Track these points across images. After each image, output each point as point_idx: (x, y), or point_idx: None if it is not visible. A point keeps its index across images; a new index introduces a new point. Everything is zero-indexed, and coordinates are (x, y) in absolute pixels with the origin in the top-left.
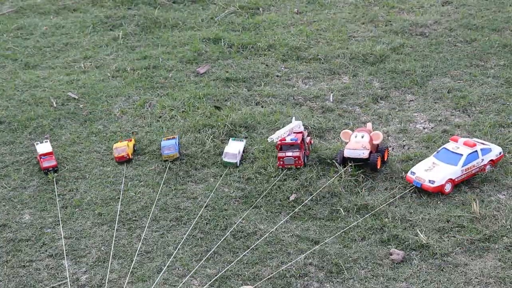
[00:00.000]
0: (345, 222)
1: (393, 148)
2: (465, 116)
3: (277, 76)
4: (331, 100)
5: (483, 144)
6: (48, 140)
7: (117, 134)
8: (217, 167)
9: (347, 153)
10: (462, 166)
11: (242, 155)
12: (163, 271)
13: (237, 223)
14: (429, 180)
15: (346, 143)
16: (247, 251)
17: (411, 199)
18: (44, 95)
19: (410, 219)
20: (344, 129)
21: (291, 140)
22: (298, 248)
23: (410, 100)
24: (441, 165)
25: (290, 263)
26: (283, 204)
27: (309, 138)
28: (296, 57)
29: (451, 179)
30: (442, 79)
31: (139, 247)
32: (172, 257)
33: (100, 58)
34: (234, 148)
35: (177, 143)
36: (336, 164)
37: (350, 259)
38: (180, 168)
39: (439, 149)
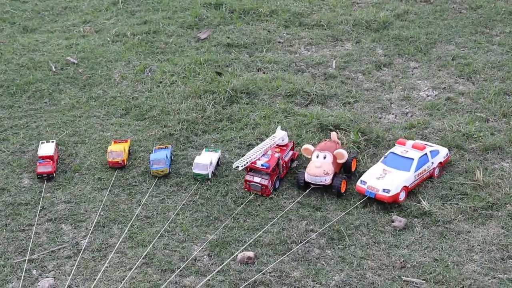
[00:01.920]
0: (347, 189)
1: (396, 116)
2: (469, 84)
3: (279, 42)
4: (334, 67)
5: (430, 146)
6: (54, 142)
7: (116, 99)
8: (218, 133)
9: (308, 178)
10: (415, 171)
11: (216, 167)
12: (159, 235)
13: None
14: (384, 189)
15: (308, 159)
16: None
17: None
18: (43, 59)
19: None
20: (304, 145)
21: (262, 165)
22: (299, 215)
23: (414, 67)
24: (393, 171)
25: (291, 229)
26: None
27: (291, 153)
28: (298, 23)
29: (405, 186)
30: (447, 46)
31: (138, 212)
32: (172, 222)
33: (100, 23)
34: (205, 159)
35: (168, 155)
36: (298, 186)
37: (352, 226)
38: (180, 134)
39: (386, 153)
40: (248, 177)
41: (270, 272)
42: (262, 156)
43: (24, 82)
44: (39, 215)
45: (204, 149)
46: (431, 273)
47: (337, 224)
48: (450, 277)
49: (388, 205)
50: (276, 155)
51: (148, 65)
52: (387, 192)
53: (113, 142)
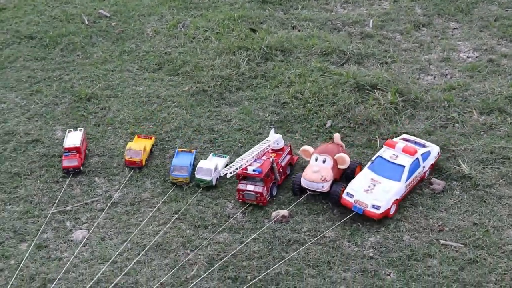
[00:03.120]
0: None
1: (435, 77)
2: None
3: None
4: (371, 26)
5: (422, 146)
6: (82, 130)
7: (149, 54)
8: (252, 90)
9: (304, 183)
10: (406, 181)
11: (220, 174)
12: (193, 191)
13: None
14: (373, 206)
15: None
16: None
17: (453, 129)
18: (76, 12)
19: (452, 149)
20: (303, 146)
21: (254, 171)
22: None
23: (454, 28)
24: (383, 182)
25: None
26: (319, 130)
27: (288, 157)
28: None
29: (396, 199)
30: (489, 6)
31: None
32: None
33: None
34: (210, 164)
35: (191, 163)
36: (293, 191)
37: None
38: (214, 90)
39: (373, 157)
40: (240, 186)
41: (304, 232)
42: (254, 161)
43: (57, 34)
44: None
45: (211, 154)
46: (470, 238)
47: None
48: (490, 242)
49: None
50: (270, 159)
51: (181, 20)
52: (377, 209)
53: (136, 137)
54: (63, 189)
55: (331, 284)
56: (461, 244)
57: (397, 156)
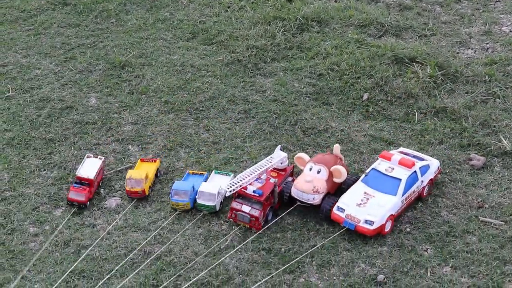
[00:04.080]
0: (422, 124)
1: (475, 51)
2: None
3: None
4: None
5: (420, 159)
6: (102, 159)
7: (183, 23)
8: (287, 61)
9: (294, 193)
10: (402, 195)
11: (224, 196)
12: (227, 162)
13: (308, 119)
14: (366, 221)
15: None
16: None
17: (494, 104)
18: None
19: (493, 124)
20: (298, 153)
21: (254, 192)
22: (371, 148)
23: (497, 1)
24: (377, 196)
25: (362, 162)
26: (355, 103)
27: (291, 179)
28: None
29: (392, 215)
30: None
31: (205, 137)
32: (239, 149)
33: None
34: (213, 188)
35: (196, 187)
36: (282, 200)
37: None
38: (249, 60)
39: (367, 170)
40: (235, 205)
41: None
42: (255, 180)
43: (91, 1)
44: (106, 135)
45: (213, 172)
46: (511, 215)
47: None
48: None
49: (467, 142)
50: (272, 180)
51: None
52: (370, 224)
53: (139, 161)
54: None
55: (366, 258)
56: (502, 221)
57: (393, 168)
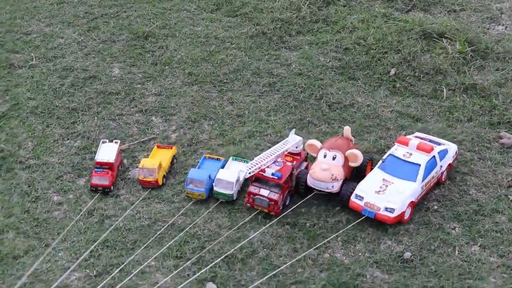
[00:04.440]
0: (450, 101)
1: (506, 27)
2: None
3: None
4: None
5: (437, 144)
6: (118, 143)
7: None
8: (312, 35)
9: (310, 182)
10: (422, 181)
11: (241, 185)
12: (251, 135)
13: (333, 93)
14: (387, 208)
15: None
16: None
17: None
18: None
19: None
20: (309, 140)
21: (272, 175)
22: (398, 124)
23: None
24: (396, 182)
25: (389, 138)
26: (382, 78)
27: (304, 165)
28: None
29: (412, 201)
30: None
31: (229, 109)
32: (264, 122)
33: None
34: (231, 174)
35: (213, 176)
36: (298, 191)
37: (454, 139)
38: (273, 33)
39: (384, 156)
40: (252, 189)
41: None
42: (272, 163)
43: None
44: (129, 105)
45: (231, 158)
46: None
47: (439, 136)
48: None
49: (497, 119)
50: (288, 163)
51: None
52: (390, 212)
53: (156, 147)
54: (120, 126)
55: (393, 235)
56: None
57: (411, 154)
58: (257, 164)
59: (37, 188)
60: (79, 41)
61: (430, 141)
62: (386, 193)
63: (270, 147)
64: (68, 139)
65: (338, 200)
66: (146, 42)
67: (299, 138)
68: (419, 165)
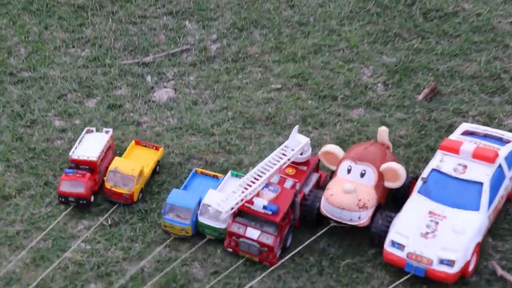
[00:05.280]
0: None
1: None
2: None
3: None
4: None
5: (499, 141)
6: (110, 131)
7: None
8: None
9: (326, 209)
10: (489, 207)
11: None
12: (318, 50)
13: None
14: (442, 261)
15: (332, 172)
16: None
17: None
18: None
19: None
20: (326, 146)
21: (264, 208)
22: None
23: None
24: (449, 215)
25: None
26: None
27: (315, 178)
28: None
29: (478, 243)
30: None
31: (289, 15)
32: (336, 34)
33: None
34: (225, 198)
35: (199, 201)
36: (305, 222)
37: None
38: None
39: (422, 172)
40: (234, 228)
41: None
42: (264, 187)
43: None
44: (155, 5)
45: (230, 173)
46: None
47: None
48: None
49: None
50: (289, 183)
51: None
52: (449, 265)
53: (133, 142)
54: (144, 33)
55: None
56: None
57: (465, 166)
58: (239, 193)
59: (32, 109)
60: None
61: (486, 136)
62: (437, 235)
63: (342, 67)
64: (73, 46)
65: (369, 239)
66: None
67: (305, 139)
68: (481, 183)
